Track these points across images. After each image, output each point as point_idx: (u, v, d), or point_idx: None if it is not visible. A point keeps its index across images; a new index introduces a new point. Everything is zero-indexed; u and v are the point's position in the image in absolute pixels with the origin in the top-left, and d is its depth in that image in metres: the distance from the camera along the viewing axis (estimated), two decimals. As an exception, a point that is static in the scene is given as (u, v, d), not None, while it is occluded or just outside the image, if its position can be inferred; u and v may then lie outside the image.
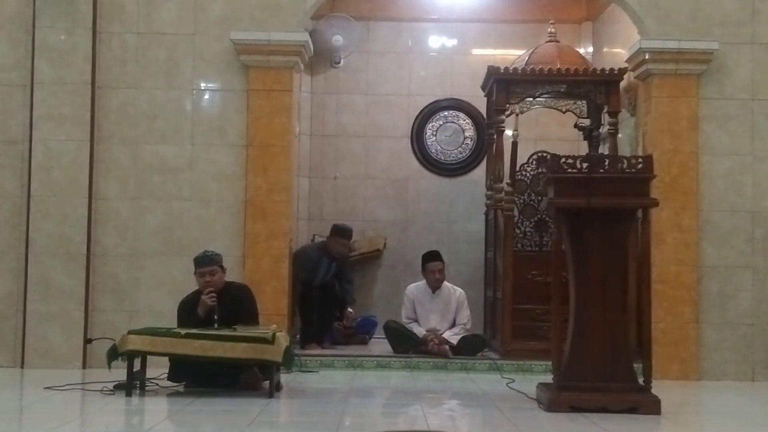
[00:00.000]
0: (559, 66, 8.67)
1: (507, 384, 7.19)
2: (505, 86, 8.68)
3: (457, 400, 6.92)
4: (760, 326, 7.99)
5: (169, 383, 6.74)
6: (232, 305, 6.87)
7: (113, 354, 6.48)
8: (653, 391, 6.01)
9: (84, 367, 7.79)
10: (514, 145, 9.09)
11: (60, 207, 7.89)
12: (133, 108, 8.10)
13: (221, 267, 7.00)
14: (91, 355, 7.79)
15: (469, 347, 8.41)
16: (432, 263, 8.72)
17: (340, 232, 9.18)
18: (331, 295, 9.02)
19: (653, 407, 5.90)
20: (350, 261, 9.65)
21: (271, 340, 6.37)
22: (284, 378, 7.01)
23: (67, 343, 7.83)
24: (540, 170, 8.59)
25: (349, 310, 9.34)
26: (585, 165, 6.01)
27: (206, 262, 6.94)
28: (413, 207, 10.57)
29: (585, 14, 10.54)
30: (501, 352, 8.33)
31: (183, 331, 6.52)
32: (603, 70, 8.67)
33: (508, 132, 9.10)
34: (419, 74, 10.65)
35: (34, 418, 5.84)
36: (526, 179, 8.87)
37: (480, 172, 10.13)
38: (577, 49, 9.78)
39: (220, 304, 6.83)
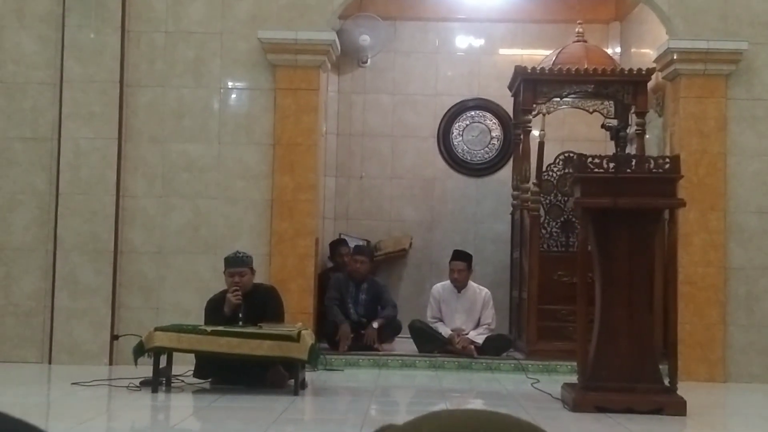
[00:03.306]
0: (586, 66, 8.64)
1: (532, 384, 7.17)
2: (532, 86, 8.66)
3: (482, 400, 6.91)
4: (788, 329, 7.94)
5: (195, 380, 6.78)
6: (258, 306, 6.87)
7: (139, 350, 6.51)
8: (679, 392, 5.98)
9: (110, 363, 7.83)
10: (541, 145, 9.07)
11: (88, 204, 7.95)
12: (160, 106, 8.14)
13: (251, 269, 7.01)
14: (117, 351, 7.84)
15: (494, 347, 8.40)
16: (453, 262, 8.72)
17: (355, 249, 9.09)
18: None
19: (679, 408, 5.87)
20: (383, 285, 9.11)
21: (296, 338, 6.39)
22: (309, 376, 7.02)
23: (94, 339, 7.88)
24: (567, 170, 8.58)
25: (374, 325, 8.52)
26: (612, 165, 5.99)
27: (237, 263, 6.95)
28: (439, 207, 10.56)
29: (613, 14, 10.49)
30: (526, 353, 8.31)
31: (209, 329, 6.54)
32: (631, 70, 8.63)
33: (535, 132, 9.09)
34: (446, 74, 10.64)
35: (61, 413, 5.89)
36: (552, 179, 8.84)
37: (506, 172, 10.11)
38: (605, 49, 9.75)
39: (246, 304, 6.83)
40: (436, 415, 1.52)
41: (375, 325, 8.48)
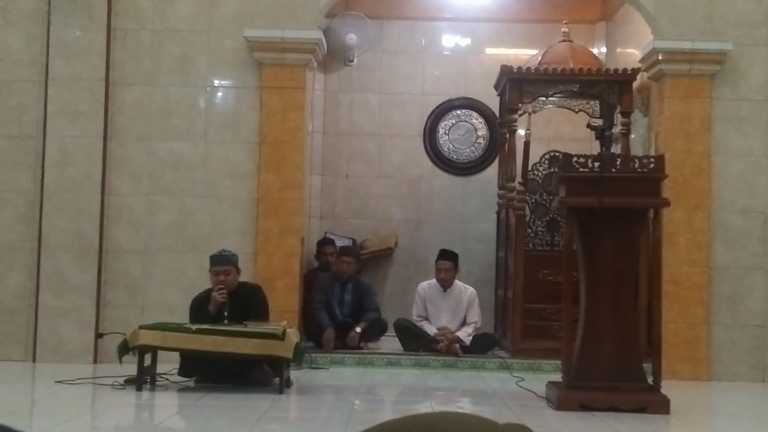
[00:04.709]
0: (572, 66, 8.67)
1: (517, 383, 7.19)
2: (518, 86, 8.68)
3: (467, 398, 6.93)
4: (772, 328, 7.98)
5: (180, 378, 6.77)
6: (243, 305, 6.87)
7: (124, 349, 6.50)
8: (663, 391, 6.00)
9: (95, 361, 7.81)
10: (527, 144, 9.09)
11: (73, 202, 7.92)
12: (147, 104, 8.13)
13: (236, 268, 7.00)
14: (102, 349, 7.82)
15: (479, 346, 8.43)
16: (440, 261, 8.74)
17: (342, 250, 9.10)
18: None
19: (663, 407, 5.90)
20: (369, 286, 9.04)
21: (281, 337, 6.39)
22: (294, 374, 7.03)
23: (78, 337, 7.85)
24: (552, 169, 8.60)
25: (357, 329, 8.49)
26: (597, 164, 6.00)
27: (222, 261, 6.94)
28: (425, 206, 10.57)
29: (599, 14, 10.53)
30: (511, 351, 8.33)
31: (194, 327, 6.53)
32: (616, 70, 8.66)
33: (521, 131, 9.11)
34: (432, 73, 10.65)
35: (45, 412, 5.88)
36: (538, 179, 8.86)
37: (492, 171, 10.14)
38: (591, 49, 9.77)
39: (232, 303, 6.83)
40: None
41: (358, 329, 8.48)
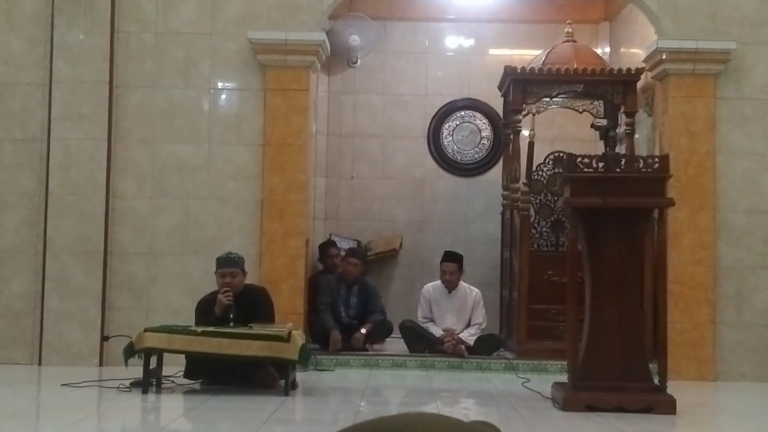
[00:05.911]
0: (576, 66, 8.66)
1: (522, 383, 7.19)
2: (522, 86, 8.67)
3: (473, 400, 6.92)
4: (778, 327, 7.96)
5: (186, 381, 6.77)
6: (249, 307, 6.87)
7: (130, 351, 6.50)
8: (669, 391, 6.00)
9: (101, 364, 7.81)
10: (531, 145, 9.09)
11: (78, 205, 7.93)
12: (150, 107, 8.13)
13: (242, 270, 7.00)
14: (107, 352, 7.82)
15: (484, 347, 8.42)
16: (445, 263, 8.73)
17: (349, 251, 9.12)
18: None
19: (669, 407, 5.89)
20: (374, 288, 9.06)
21: (287, 339, 6.38)
22: (300, 376, 7.01)
23: (84, 340, 7.86)
24: (556, 170, 8.60)
25: (362, 331, 8.60)
26: (601, 164, 6.00)
27: (228, 263, 6.94)
28: (430, 207, 10.56)
29: (602, 14, 10.52)
30: (516, 352, 8.32)
31: (199, 329, 6.53)
32: (620, 70, 8.65)
33: (525, 132, 9.11)
34: (436, 74, 10.65)
35: (51, 415, 5.88)
36: (542, 179, 8.85)
37: (496, 172, 10.13)
38: (594, 49, 9.77)
39: (237, 305, 6.83)
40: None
41: (363, 330, 8.50)
